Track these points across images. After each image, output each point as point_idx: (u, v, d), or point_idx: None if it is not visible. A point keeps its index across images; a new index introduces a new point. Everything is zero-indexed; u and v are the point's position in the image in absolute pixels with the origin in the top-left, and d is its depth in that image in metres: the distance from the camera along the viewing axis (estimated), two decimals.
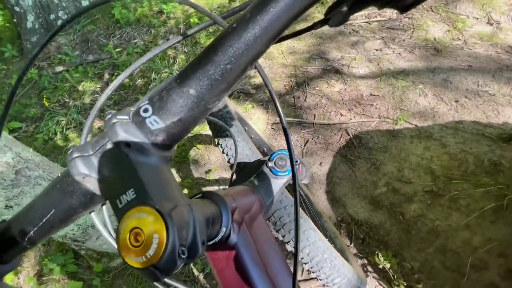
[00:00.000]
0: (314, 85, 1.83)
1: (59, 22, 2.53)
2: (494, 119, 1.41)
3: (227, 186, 1.38)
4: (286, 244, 0.67)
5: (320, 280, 0.68)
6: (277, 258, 0.32)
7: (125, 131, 0.20)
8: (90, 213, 0.24)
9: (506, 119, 1.40)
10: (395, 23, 2.14)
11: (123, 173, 0.20)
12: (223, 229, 0.26)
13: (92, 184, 0.21)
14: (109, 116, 0.21)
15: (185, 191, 1.37)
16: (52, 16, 2.49)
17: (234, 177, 0.51)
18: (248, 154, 0.67)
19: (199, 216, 0.21)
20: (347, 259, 0.89)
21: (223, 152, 0.75)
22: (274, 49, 2.15)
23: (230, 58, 0.19)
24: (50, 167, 0.91)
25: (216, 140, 0.77)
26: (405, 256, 1.13)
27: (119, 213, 0.18)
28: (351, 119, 1.59)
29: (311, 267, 0.66)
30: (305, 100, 1.75)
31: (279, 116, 0.24)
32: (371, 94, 1.70)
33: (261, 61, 2.09)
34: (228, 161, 0.74)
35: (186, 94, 0.20)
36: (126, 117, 0.21)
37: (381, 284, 1.09)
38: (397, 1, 0.18)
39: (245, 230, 0.29)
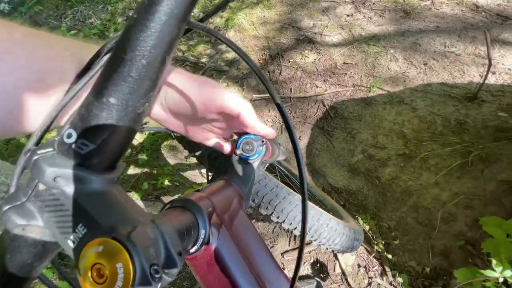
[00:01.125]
0: (288, 57, 1.79)
1: (1, 6, 2.24)
2: (460, 79, 1.47)
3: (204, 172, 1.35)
4: (271, 216, 0.69)
5: (323, 245, 0.72)
6: (261, 252, 0.33)
7: (51, 165, 0.18)
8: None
9: (471, 78, 1.46)
10: None
11: (67, 210, 0.18)
12: (201, 235, 0.26)
13: (37, 232, 0.19)
14: (29, 154, 0.19)
15: (167, 179, 1.35)
16: None
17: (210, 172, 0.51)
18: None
19: (168, 228, 0.20)
20: (340, 216, 0.93)
21: (185, 148, 0.72)
22: (244, 20, 2.05)
23: (142, 53, 0.17)
24: (13, 171, 0.85)
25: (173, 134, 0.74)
26: (382, 216, 1.21)
27: (75, 254, 0.17)
28: (326, 90, 1.60)
29: (312, 236, 0.69)
30: (280, 73, 1.72)
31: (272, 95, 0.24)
32: (344, 63, 1.70)
33: (231, 34, 2.00)
34: (192, 153, 0.72)
35: (107, 105, 0.18)
36: (50, 149, 0.19)
37: (362, 245, 1.17)
38: None
39: (225, 231, 0.29)
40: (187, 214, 0.26)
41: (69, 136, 0.19)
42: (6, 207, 0.19)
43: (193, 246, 0.26)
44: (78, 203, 0.18)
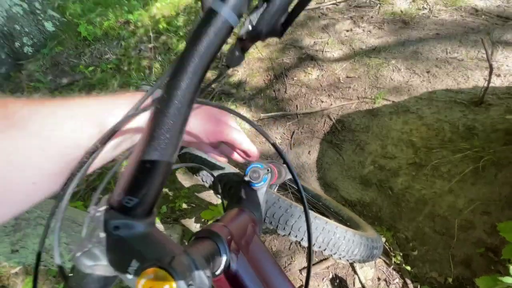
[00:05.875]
0: (292, 75, 1.86)
1: (26, 49, 2.46)
2: (464, 85, 1.48)
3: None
4: (289, 236, 0.72)
5: (343, 257, 0.73)
6: (276, 273, 0.38)
7: (109, 218, 0.24)
8: None
9: (476, 82, 1.47)
10: (361, 1, 2.17)
11: (122, 250, 0.24)
12: (223, 260, 0.31)
13: (100, 270, 0.25)
14: (92, 212, 0.25)
15: (184, 201, 1.40)
16: (17, 44, 2.42)
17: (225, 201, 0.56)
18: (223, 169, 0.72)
19: (197, 256, 0.25)
20: (357, 225, 0.93)
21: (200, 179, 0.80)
22: None
23: (165, 134, 0.23)
24: (47, 205, 0.93)
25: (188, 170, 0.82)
26: (398, 227, 1.20)
27: (132, 283, 0.23)
28: (331, 104, 1.64)
29: (331, 250, 0.71)
30: (285, 92, 1.78)
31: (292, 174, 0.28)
32: (347, 77, 1.74)
33: None
34: (206, 183, 0.79)
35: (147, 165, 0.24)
36: (105, 206, 0.25)
37: (380, 258, 1.16)
38: (273, 31, 0.23)
39: (243, 256, 0.34)
40: (210, 243, 0.31)
41: (119, 194, 0.25)
42: (78, 254, 0.25)
43: (217, 269, 0.31)
44: (130, 244, 0.24)
